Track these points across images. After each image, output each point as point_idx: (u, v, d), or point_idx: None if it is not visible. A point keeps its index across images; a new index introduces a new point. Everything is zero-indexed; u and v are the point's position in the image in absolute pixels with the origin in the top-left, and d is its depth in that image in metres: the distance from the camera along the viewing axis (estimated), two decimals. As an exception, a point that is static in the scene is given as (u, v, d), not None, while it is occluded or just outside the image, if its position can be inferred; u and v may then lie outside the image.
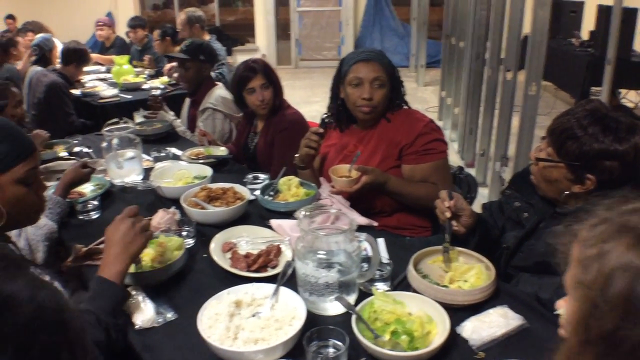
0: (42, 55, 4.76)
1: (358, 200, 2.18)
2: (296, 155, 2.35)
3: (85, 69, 5.47)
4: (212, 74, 4.70)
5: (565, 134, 1.56)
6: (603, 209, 0.88)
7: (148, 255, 1.73)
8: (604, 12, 6.19)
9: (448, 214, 1.72)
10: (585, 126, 1.53)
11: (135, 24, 6.09)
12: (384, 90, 2.21)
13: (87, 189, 2.45)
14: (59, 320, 0.70)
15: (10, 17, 8.80)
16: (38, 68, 4.66)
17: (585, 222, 0.88)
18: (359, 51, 2.34)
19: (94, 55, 6.37)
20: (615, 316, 0.75)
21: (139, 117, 3.61)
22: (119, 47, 6.53)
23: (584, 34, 7.69)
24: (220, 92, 3.50)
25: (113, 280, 1.43)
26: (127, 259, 1.49)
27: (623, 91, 7.27)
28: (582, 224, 0.88)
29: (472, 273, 1.63)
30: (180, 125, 3.53)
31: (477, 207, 1.99)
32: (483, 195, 4.50)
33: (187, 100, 3.82)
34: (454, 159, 5.64)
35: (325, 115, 2.36)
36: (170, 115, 3.61)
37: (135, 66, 5.89)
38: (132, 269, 1.69)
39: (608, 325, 0.76)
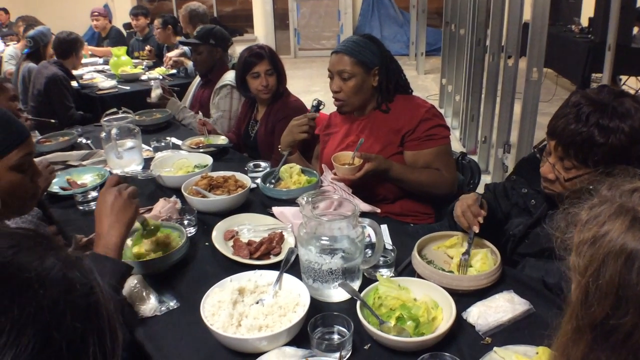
0: (36, 49, 4.68)
1: (361, 187, 2.16)
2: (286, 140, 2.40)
3: (83, 61, 5.42)
4: None
5: (587, 144, 1.45)
6: (605, 187, 0.85)
7: (149, 245, 1.72)
8: (603, -2, 6.14)
9: (476, 229, 1.61)
10: (605, 126, 1.42)
11: (137, 11, 6.06)
12: (352, 82, 2.18)
13: (87, 179, 2.44)
14: (89, 304, 0.64)
15: (2, 10, 8.63)
16: (30, 64, 4.60)
17: (587, 202, 0.85)
18: (343, 40, 2.31)
19: (90, 48, 6.33)
20: (605, 305, 0.74)
21: (155, 91, 3.54)
22: (115, 37, 6.51)
23: (584, 21, 7.64)
24: (234, 74, 3.48)
25: (110, 255, 1.38)
26: (121, 228, 1.44)
27: (623, 77, 7.23)
28: (583, 205, 0.86)
29: (477, 258, 1.61)
30: (189, 112, 3.52)
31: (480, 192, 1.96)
32: (486, 182, 4.46)
33: (195, 83, 3.89)
34: (456, 146, 5.61)
35: (316, 101, 2.38)
36: (179, 102, 3.63)
37: (136, 57, 5.86)
38: (132, 257, 1.68)
39: (598, 314, 0.74)
